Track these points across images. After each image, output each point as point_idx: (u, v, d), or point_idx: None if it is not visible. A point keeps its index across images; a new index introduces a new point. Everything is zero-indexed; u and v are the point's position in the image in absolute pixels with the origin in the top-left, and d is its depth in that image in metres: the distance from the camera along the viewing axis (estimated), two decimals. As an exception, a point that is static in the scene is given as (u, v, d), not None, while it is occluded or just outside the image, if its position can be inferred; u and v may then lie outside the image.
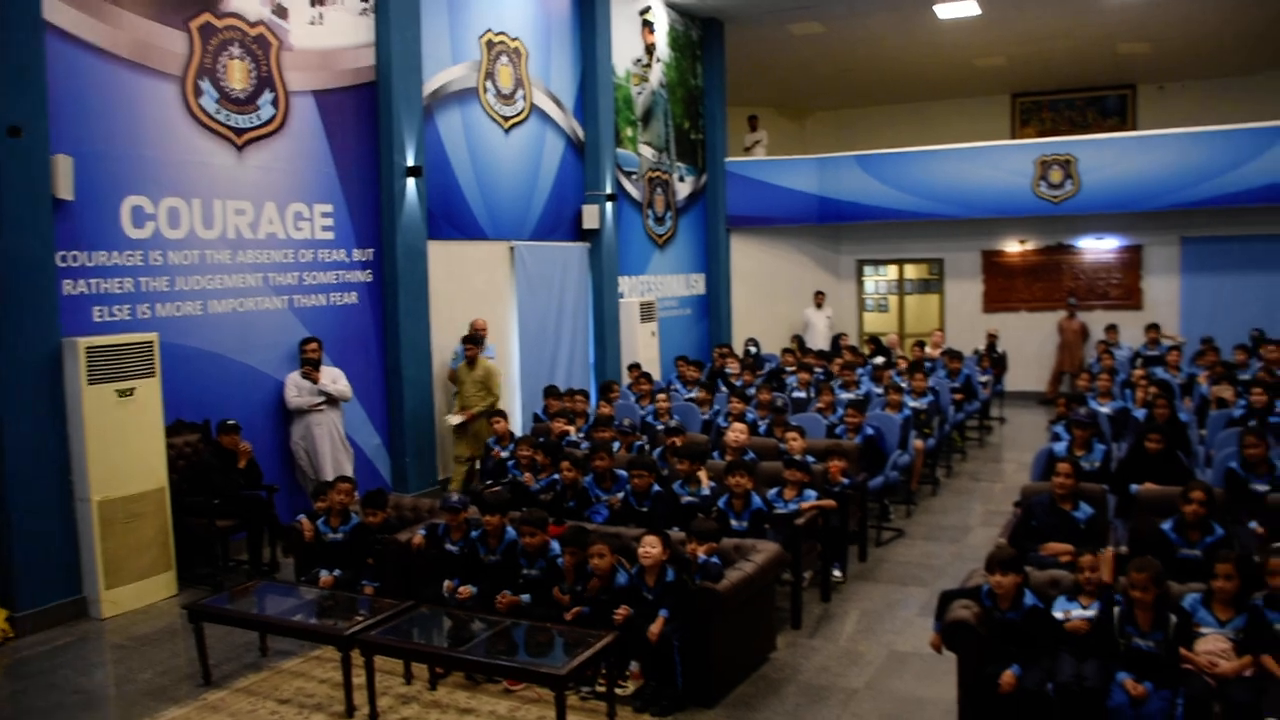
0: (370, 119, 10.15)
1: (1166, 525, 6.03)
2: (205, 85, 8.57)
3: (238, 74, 8.85)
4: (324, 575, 6.83)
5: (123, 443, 7.49)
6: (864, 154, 17.06)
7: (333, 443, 9.33)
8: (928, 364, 12.68)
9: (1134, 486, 7.22)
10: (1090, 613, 4.98)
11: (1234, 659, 4.64)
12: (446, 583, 6.45)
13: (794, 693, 5.83)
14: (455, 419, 10.31)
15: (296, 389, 9.16)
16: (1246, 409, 9.23)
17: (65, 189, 7.39)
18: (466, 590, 6.32)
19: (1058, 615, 5.05)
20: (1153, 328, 14.55)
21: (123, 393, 7.50)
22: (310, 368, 9.16)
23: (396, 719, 5.57)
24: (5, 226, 6.97)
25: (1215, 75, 17.10)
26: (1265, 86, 16.82)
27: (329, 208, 9.74)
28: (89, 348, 7.29)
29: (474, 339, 10.41)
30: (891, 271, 18.81)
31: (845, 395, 10.85)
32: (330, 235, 9.76)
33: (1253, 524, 6.31)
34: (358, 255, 10.07)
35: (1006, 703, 4.73)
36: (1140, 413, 9.54)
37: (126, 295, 7.99)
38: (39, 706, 5.88)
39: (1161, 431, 7.74)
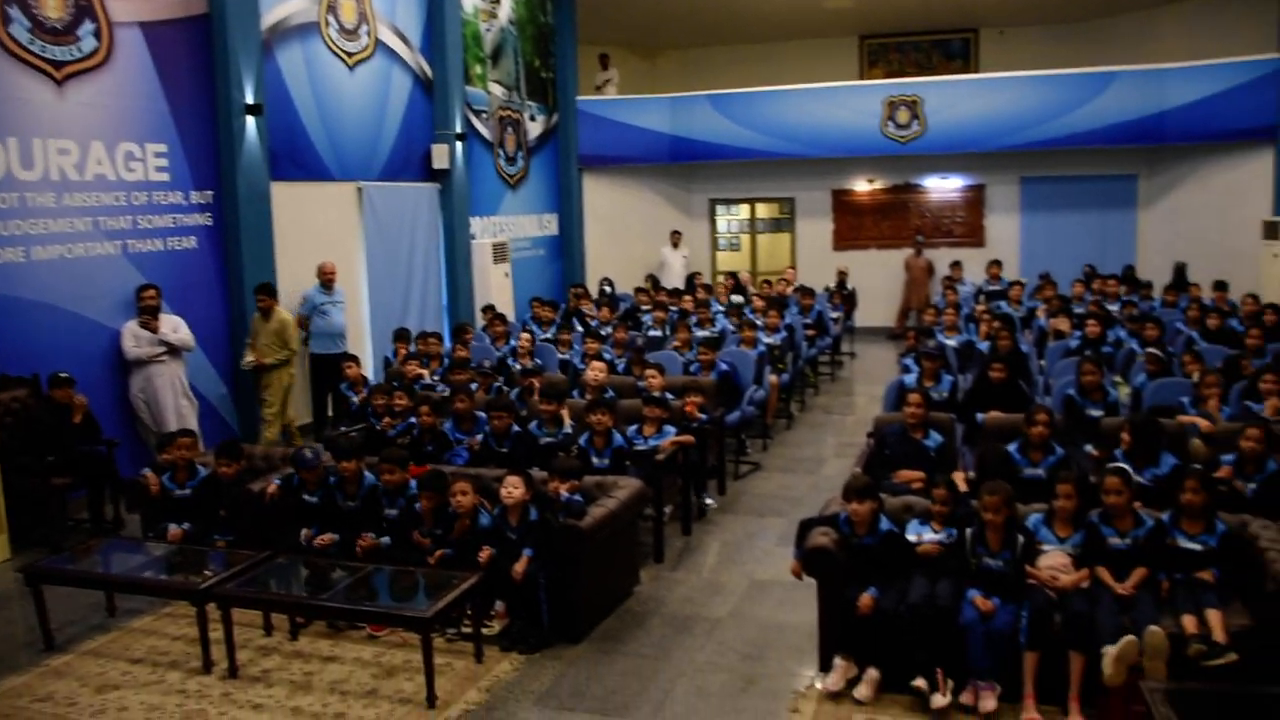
0: (205, 54, 9.63)
1: (1012, 447, 6.31)
2: (14, 13, 7.97)
3: (52, 1, 8.26)
4: (172, 528, 6.55)
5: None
6: (715, 93, 17.11)
7: (175, 394, 8.92)
8: (780, 300, 12.88)
9: (980, 415, 7.50)
10: (942, 536, 5.17)
11: (1073, 573, 4.89)
12: (304, 531, 6.28)
13: (659, 624, 5.91)
14: (249, 360, 9.70)
15: (134, 339, 8.72)
16: (1082, 340, 9.70)
17: None
18: (327, 538, 6.17)
19: (911, 539, 5.23)
20: (994, 264, 15.13)
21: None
22: (148, 316, 8.72)
23: (257, 671, 5.42)
24: None
25: (1052, 21, 17.70)
26: (1099, 32, 17.51)
27: (163, 147, 9.23)
28: (-100, 298, 6.79)
29: (266, 289, 9.67)
30: (744, 210, 19.02)
31: (701, 333, 10.95)
32: (165, 176, 9.27)
33: (1088, 447, 6.64)
34: (196, 197, 9.60)
35: (864, 623, 4.89)
36: (984, 345, 9.91)
37: (-57, 244, 7.46)
38: None
39: (1004, 362, 8.06)
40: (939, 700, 4.69)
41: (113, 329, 8.74)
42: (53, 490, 7.58)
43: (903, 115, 16.10)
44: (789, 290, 14.35)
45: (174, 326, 8.89)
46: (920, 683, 4.73)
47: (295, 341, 9.85)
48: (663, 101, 17.35)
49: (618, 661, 5.43)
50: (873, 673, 4.92)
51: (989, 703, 4.70)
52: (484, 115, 14.66)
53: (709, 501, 7.96)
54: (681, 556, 7.07)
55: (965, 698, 4.74)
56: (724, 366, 9.38)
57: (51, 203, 8.26)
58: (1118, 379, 8.42)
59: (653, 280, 16.43)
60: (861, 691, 4.86)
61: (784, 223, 18.62)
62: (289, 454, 7.28)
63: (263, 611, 5.81)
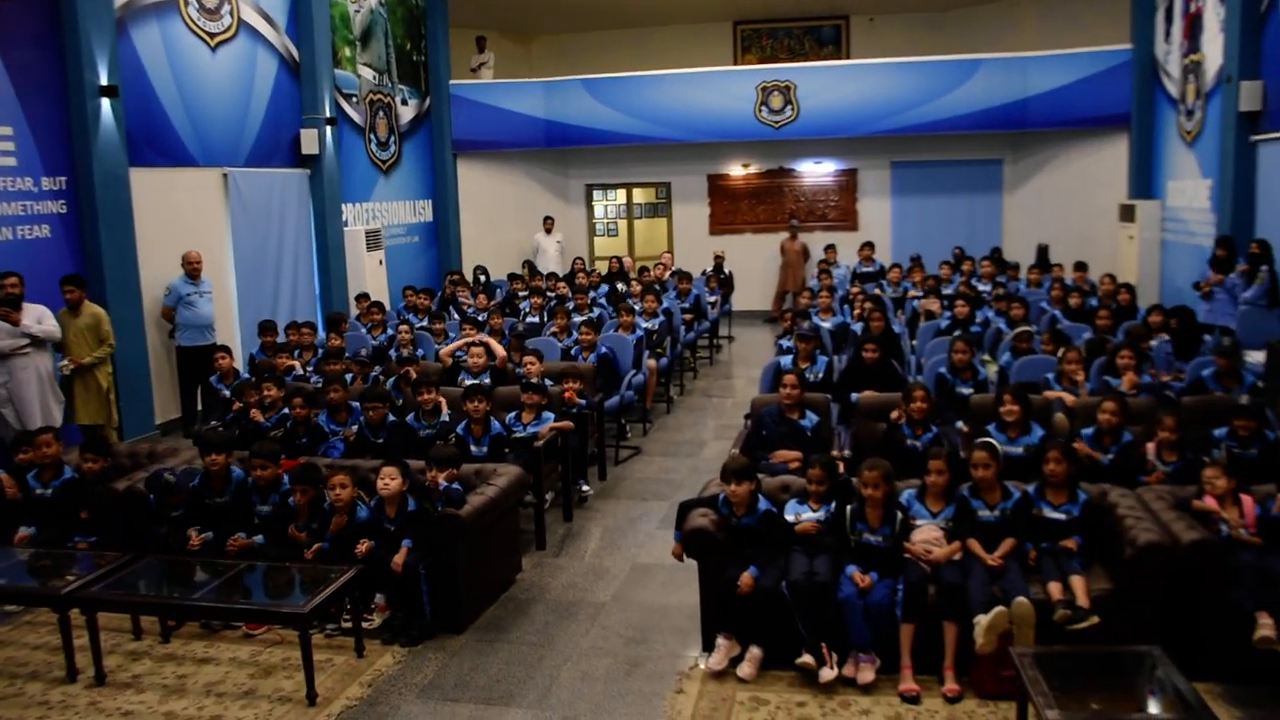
0: (54, 32, 9.15)
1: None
2: None
3: (-112, -23, 7.77)
4: (21, 531, 6.25)
5: None
6: (590, 78, 17.06)
7: (41, 387, 8.38)
8: (657, 285, 12.95)
9: (854, 394, 7.67)
10: (819, 514, 5.28)
11: (945, 546, 5.05)
12: (164, 528, 6.07)
13: (542, 611, 5.90)
14: (65, 366, 8.71)
15: None
16: (951, 320, 10.00)
17: None
18: (198, 538, 5.97)
19: (789, 518, 5.32)
20: (866, 246, 15.46)
21: None
22: (9, 308, 8.21)
23: (127, 677, 5.22)
24: None
25: (921, 9, 18.15)
26: (965, 21, 18.03)
27: (8, 130, 8.76)
28: None
29: (74, 280, 8.80)
30: (620, 195, 19.06)
31: (579, 318, 10.94)
32: (12, 161, 8.80)
33: (959, 423, 6.85)
34: (47, 184, 9.14)
35: (746, 602, 4.97)
36: (858, 326, 10.14)
37: None
38: None
39: (877, 342, 8.25)
40: (827, 674, 4.79)
41: (-40, 323, 8.27)
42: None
43: (776, 100, 16.32)
44: (666, 275, 14.44)
45: (38, 317, 8.31)
46: (806, 659, 4.82)
47: (112, 336, 8.97)
48: (537, 86, 17.24)
49: (502, 650, 5.40)
50: (755, 651, 5.00)
51: (868, 674, 4.82)
52: (354, 99, 14.34)
53: (586, 488, 7.97)
54: (563, 543, 7.07)
55: (848, 670, 4.85)
56: (604, 350, 9.40)
57: (-112, 190, 7.79)
58: (986, 357, 8.70)
59: (529, 267, 16.34)
60: (744, 670, 4.94)
61: (660, 207, 18.72)
62: (153, 449, 7.04)
63: (131, 614, 5.60)
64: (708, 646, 5.15)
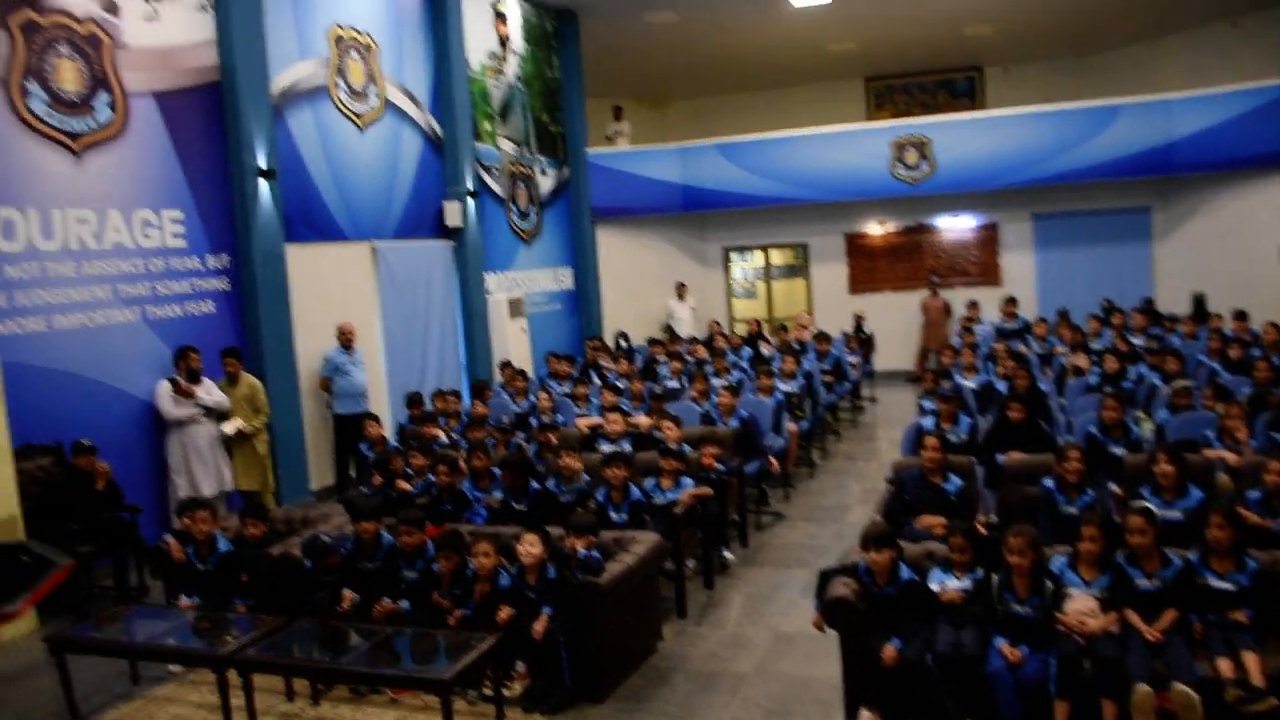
0: (217, 120, 9.78)
1: (1049, 484, 6.25)
2: (33, 87, 8.12)
3: (68, 74, 8.40)
4: (184, 600, 6.57)
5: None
6: (725, 141, 17.24)
7: (214, 454, 9.01)
8: (796, 346, 12.88)
9: (1000, 456, 7.45)
10: (965, 584, 5.10)
11: (1100, 617, 4.81)
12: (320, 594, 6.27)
13: (683, 681, 5.85)
14: (230, 427, 9.26)
15: (172, 400, 8.78)
16: (1101, 376, 9.64)
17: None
18: (349, 596, 6.15)
19: (934, 588, 5.16)
20: (1010, 301, 15.08)
21: (-37, 417, 7.07)
22: (188, 381, 8.78)
23: (278, 739, 5.40)
24: None
25: (1056, 56, 17.82)
26: (1103, 66, 17.62)
27: (179, 214, 9.35)
28: (-78, 371, 6.86)
29: (233, 353, 9.44)
30: (758, 257, 19.09)
31: (718, 382, 10.94)
32: (182, 243, 9.38)
33: (1111, 485, 6.57)
34: (212, 262, 9.70)
35: (889, 675, 4.82)
36: (1003, 385, 9.86)
37: (-35, 311, 7.56)
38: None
39: (1022, 401, 8.01)
40: None
41: (133, 395, 8.80)
42: (77, 558, 7.59)
43: (911, 156, 16.17)
44: (806, 336, 14.34)
45: (208, 389, 8.98)
46: (949, 734, 4.66)
47: (267, 406, 9.55)
48: (672, 152, 17.48)
49: (641, 720, 5.38)
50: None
51: (1019, 754, 4.61)
52: (495, 171, 14.79)
53: (727, 555, 7.90)
54: (704, 611, 7.01)
55: None
56: (744, 414, 9.37)
57: (71, 272, 8.36)
58: (1140, 414, 8.35)
59: (669, 331, 16.45)
60: None
61: (798, 268, 18.67)
62: (307, 515, 7.30)
63: (284, 676, 5.78)
64: (851, 720, 5.01)
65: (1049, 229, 16.83)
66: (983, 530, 5.78)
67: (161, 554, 6.91)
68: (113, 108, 8.74)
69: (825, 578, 5.33)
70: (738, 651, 6.24)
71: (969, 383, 10.28)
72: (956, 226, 17.32)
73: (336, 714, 5.64)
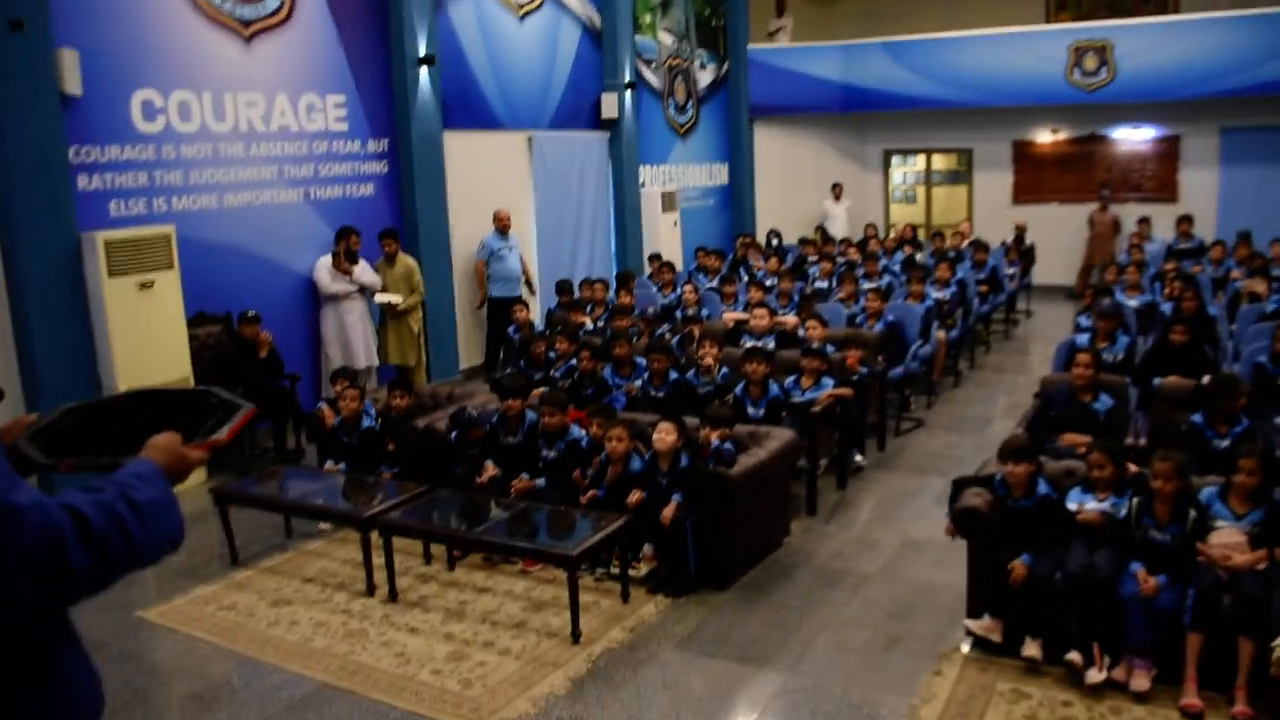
0: (380, 7, 9.96)
1: (1196, 418, 5.95)
2: (208, -27, 8.43)
3: (240, -39, 8.68)
4: (329, 465, 6.96)
5: (145, 335, 7.54)
6: (890, 40, 16.56)
7: (364, 330, 9.42)
8: (952, 254, 12.52)
9: (1157, 380, 7.14)
10: (1105, 505, 4.94)
11: (1248, 552, 4.58)
12: (460, 467, 6.54)
13: (806, 577, 5.90)
14: (384, 298, 9.61)
15: (330, 275, 9.19)
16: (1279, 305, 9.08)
17: (73, 84, 7.34)
18: (492, 469, 6.40)
19: (1072, 507, 5.01)
20: (1185, 220, 14.27)
21: (143, 285, 7.52)
22: (345, 258, 9.17)
23: (415, 597, 5.69)
24: (14, 122, 6.94)
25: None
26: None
27: (341, 98, 9.62)
28: (107, 242, 7.30)
29: (390, 234, 9.75)
30: (919, 162, 18.48)
31: (868, 285, 10.76)
32: (344, 126, 9.67)
33: (1279, 419, 6.22)
34: (373, 146, 9.98)
35: (1016, 589, 4.74)
36: (1168, 307, 9.41)
37: (142, 189, 8.00)
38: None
39: (1188, 324, 7.63)
40: (1095, 676, 4.47)
41: (295, 271, 9.22)
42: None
43: (1090, 61, 15.24)
44: (963, 244, 13.92)
45: (363, 268, 9.35)
46: (1074, 656, 4.53)
47: (422, 286, 9.91)
48: (836, 50, 16.94)
49: (761, 611, 5.45)
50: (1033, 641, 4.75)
51: (1143, 682, 4.45)
52: (653, 64, 14.66)
53: (861, 459, 7.84)
54: (834, 511, 7.02)
55: (1118, 674, 4.50)
56: (890, 319, 9.22)
57: (241, 152, 8.74)
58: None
59: (822, 232, 16.19)
60: (1030, 649, 4.68)
61: (960, 175, 18.00)
62: (454, 391, 7.58)
63: (423, 541, 6.09)
64: (969, 629, 4.97)
65: (1238, 145, 15.70)
66: (1131, 453, 5.54)
67: (315, 420, 7.33)
68: (281, -6, 9.00)
69: (959, 486, 5.25)
70: (864, 552, 6.24)
71: (1131, 301, 9.82)
72: (1133, 138, 16.35)
73: (470, 580, 5.91)
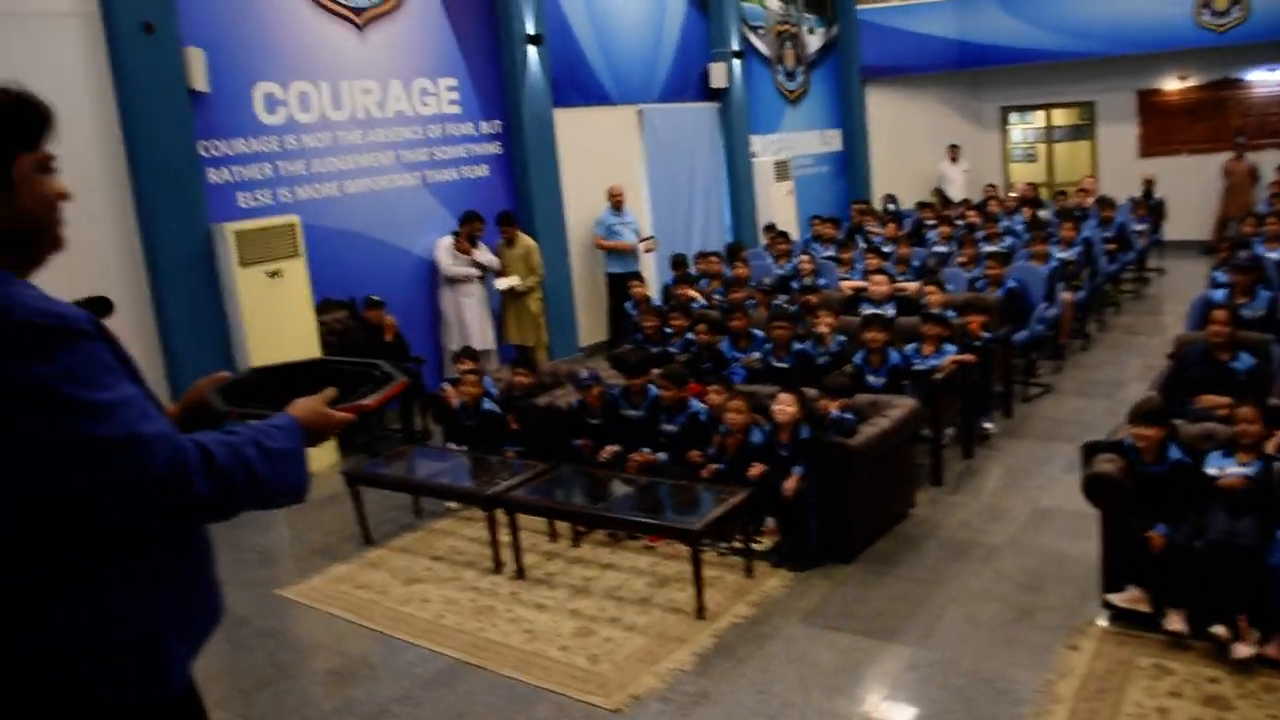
0: (489, -13, 10.08)
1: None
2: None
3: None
4: (450, 446, 7.12)
5: (276, 322, 7.81)
6: (1006, -9, 16.06)
7: (482, 311, 9.57)
8: (1078, 212, 12.11)
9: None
10: (1249, 470, 4.72)
11: None
12: (582, 440, 6.60)
13: (933, 548, 5.81)
14: (503, 283, 9.74)
15: (451, 258, 9.37)
16: None
17: (200, 80, 7.61)
18: (609, 449, 6.46)
19: (1211, 471, 4.81)
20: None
21: (272, 274, 7.78)
22: (466, 242, 9.33)
23: (541, 574, 5.79)
24: (148, 120, 7.24)
25: None
26: None
27: (453, 81, 9.76)
28: (237, 233, 7.57)
29: (507, 218, 9.88)
30: (1039, 118, 17.88)
31: (989, 248, 10.49)
32: (457, 109, 9.81)
33: None
34: (485, 127, 10.10)
35: (1153, 558, 4.58)
36: (1313, 257, 8.95)
37: (267, 180, 8.26)
38: (224, 562, 6.26)
39: (1334, 275, 7.25)
40: (1242, 650, 4.24)
41: (415, 254, 9.42)
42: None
43: (1221, 0, 14.51)
44: (1088, 201, 13.44)
45: (482, 250, 9.53)
46: (1220, 630, 4.34)
47: (541, 266, 9.98)
48: (947, 5, 16.46)
49: (888, 584, 5.39)
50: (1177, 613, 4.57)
51: (1295, 658, 4.27)
52: (761, 31, 14.49)
53: (987, 426, 7.66)
54: (961, 480, 6.89)
55: (1270, 650, 4.26)
56: (1012, 283, 8.97)
57: (359, 139, 8.94)
58: None
59: (939, 195, 15.82)
60: (1174, 623, 4.48)
61: (1083, 129, 17.35)
62: (573, 371, 7.66)
63: (547, 518, 6.18)
64: (1108, 604, 4.81)
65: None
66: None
67: (440, 401, 7.49)
68: (392, -20, 9.16)
69: (1090, 452, 5.10)
70: (992, 522, 6.11)
71: (1272, 254, 9.36)
72: (1270, 81, 15.51)
73: (594, 556, 5.99)
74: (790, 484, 5.58)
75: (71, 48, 7.06)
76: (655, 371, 6.66)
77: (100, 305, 1.68)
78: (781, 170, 14.42)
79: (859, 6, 16.67)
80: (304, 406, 1.98)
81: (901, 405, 6.16)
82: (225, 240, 7.55)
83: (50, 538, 1.66)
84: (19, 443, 1.56)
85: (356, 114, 8.92)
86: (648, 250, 10.25)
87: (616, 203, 11.04)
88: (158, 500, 1.64)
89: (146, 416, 1.65)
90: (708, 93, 13.30)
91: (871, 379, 6.93)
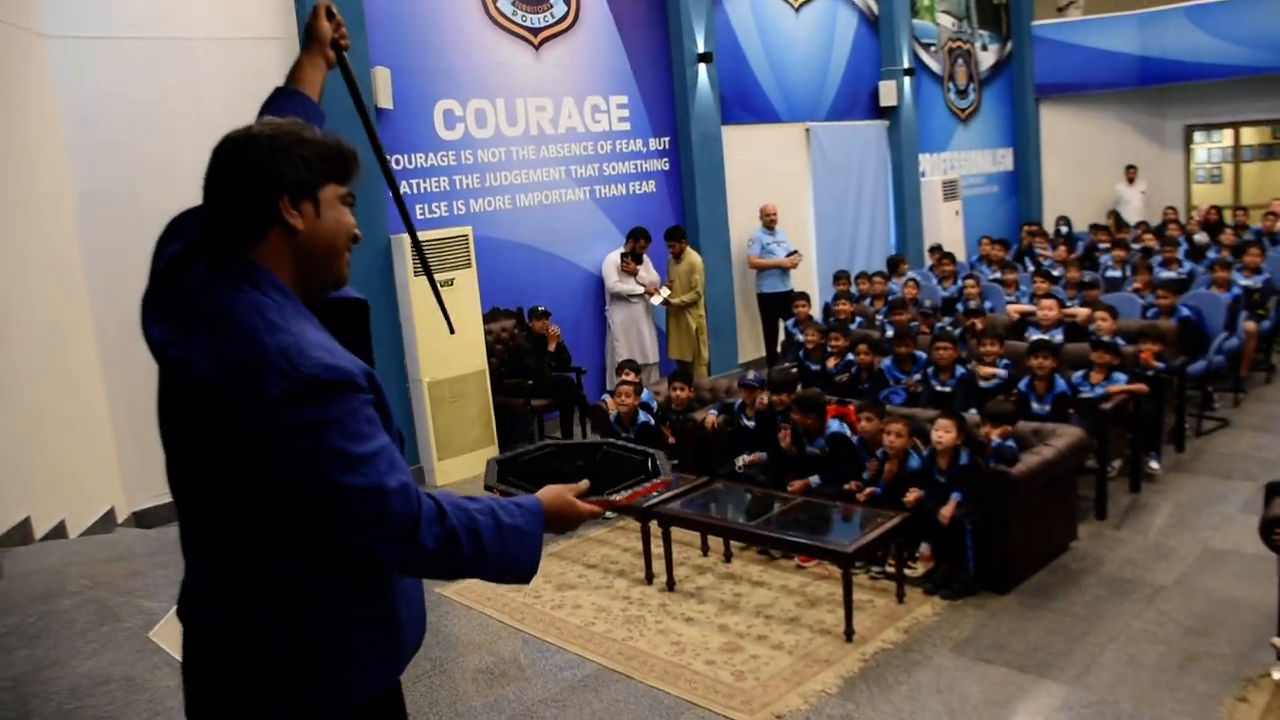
0: (659, 8, 10.27)
1: None
2: (501, -13, 8.96)
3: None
4: None
5: (446, 329, 8.11)
6: (1194, 4, 15.29)
7: (648, 327, 9.79)
8: (1266, 238, 11.52)
9: None
10: None
11: None
12: (742, 457, 6.67)
13: (1094, 584, 5.64)
14: (657, 298, 9.79)
15: (617, 274, 9.60)
16: None
17: (385, 98, 8.01)
18: (756, 456, 6.52)
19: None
20: None
21: (444, 283, 8.12)
22: (632, 260, 9.54)
23: (692, 587, 5.88)
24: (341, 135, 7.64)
25: None
26: None
27: (624, 99, 9.99)
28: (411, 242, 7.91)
29: (676, 233, 9.95)
30: (1226, 137, 17.05)
31: (1166, 274, 10.09)
32: (627, 126, 10.03)
33: None
34: (654, 144, 10.30)
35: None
36: None
37: (443, 193, 8.62)
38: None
39: None
40: None
41: (581, 267, 9.68)
42: (533, 411, 8.61)
43: None
44: (1278, 225, 12.76)
45: (649, 267, 9.73)
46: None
47: (702, 284, 10.03)
48: (1130, 19, 15.85)
49: (1044, 618, 5.26)
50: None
51: None
52: (932, 48, 14.29)
53: (1153, 466, 7.36)
54: (1126, 515, 6.66)
55: None
56: (1185, 312, 8.62)
57: (531, 155, 9.25)
58: None
59: (1115, 217, 15.26)
60: None
61: (1276, 149, 16.47)
62: (733, 386, 7.75)
63: (700, 533, 6.26)
64: (1284, 651, 4.60)
65: None
66: None
67: (600, 412, 7.67)
68: (567, 2, 9.43)
69: (1272, 492, 4.88)
70: (1158, 561, 5.90)
71: None
72: None
73: (744, 572, 6.04)
74: (947, 510, 5.53)
75: (271, 68, 7.54)
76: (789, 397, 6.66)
77: (359, 307, 1.83)
78: (950, 190, 14.17)
79: (1034, 22, 16.24)
80: (554, 493, 2.07)
81: (1066, 434, 6.02)
82: (402, 250, 7.92)
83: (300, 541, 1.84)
84: (279, 467, 1.72)
85: (530, 130, 9.23)
86: (793, 265, 10.33)
87: (770, 221, 11.05)
88: (387, 546, 1.80)
89: (394, 469, 1.80)
90: (877, 110, 13.20)
91: (1036, 406, 6.78)
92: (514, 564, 1.95)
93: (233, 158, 1.85)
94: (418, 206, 8.46)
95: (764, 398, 6.87)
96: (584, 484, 2.15)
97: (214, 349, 1.71)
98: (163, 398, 1.86)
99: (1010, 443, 5.74)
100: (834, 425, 6.40)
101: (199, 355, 1.72)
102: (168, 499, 7.29)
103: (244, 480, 1.75)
